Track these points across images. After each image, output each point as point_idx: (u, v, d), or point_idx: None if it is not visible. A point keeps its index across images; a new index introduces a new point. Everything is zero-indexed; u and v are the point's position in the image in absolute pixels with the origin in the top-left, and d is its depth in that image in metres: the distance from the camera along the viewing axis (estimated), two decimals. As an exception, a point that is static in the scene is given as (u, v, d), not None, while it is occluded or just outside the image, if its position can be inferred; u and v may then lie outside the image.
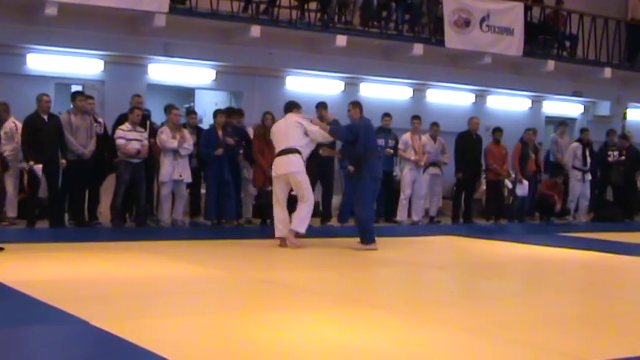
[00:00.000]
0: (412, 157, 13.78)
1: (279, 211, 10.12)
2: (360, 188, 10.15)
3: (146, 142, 11.68)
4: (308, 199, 9.98)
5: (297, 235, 10.00)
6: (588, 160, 15.31)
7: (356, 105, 10.65)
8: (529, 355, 4.88)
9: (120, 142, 11.49)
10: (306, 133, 10.08)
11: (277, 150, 10.09)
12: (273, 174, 10.10)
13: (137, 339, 4.75)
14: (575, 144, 15.55)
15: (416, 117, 14.13)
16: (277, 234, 10.07)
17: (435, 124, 14.45)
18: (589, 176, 15.44)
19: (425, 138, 14.11)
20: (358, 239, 10.13)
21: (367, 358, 4.69)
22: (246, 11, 14.07)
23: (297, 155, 9.88)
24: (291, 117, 10.23)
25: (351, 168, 11.32)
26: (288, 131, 10.03)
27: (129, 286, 6.94)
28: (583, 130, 15.87)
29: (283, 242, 10.00)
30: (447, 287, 8.07)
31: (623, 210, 16.21)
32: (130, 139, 11.51)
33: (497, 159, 14.70)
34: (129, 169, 11.53)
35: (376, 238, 10.12)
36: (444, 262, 10.03)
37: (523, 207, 15.17)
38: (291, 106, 10.45)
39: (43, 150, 10.97)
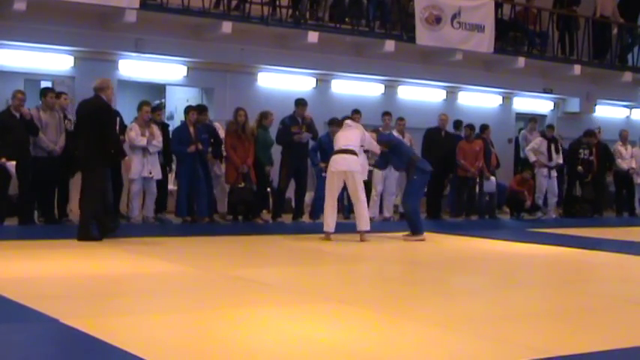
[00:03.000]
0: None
1: (330, 207, 10.59)
2: (414, 183, 11.16)
3: None
4: (362, 198, 10.59)
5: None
6: (554, 155, 15.41)
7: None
8: (499, 350, 4.92)
9: None
10: (361, 140, 10.71)
11: (335, 149, 10.61)
12: (332, 169, 10.52)
13: (109, 337, 4.73)
14: (539, 139, 15.62)
15: (386, 113, 14.17)
16: (325, 229, 10.57)
17: (400, 119, 14.40)
18: (554, 172, 15.54)
19: (396, 134, 14.14)
20: (408, 232, 11.06)
21: (338, 353, 4.71)
22: (217, 7, 14.03)
23: (354, 156, 10.47)
24: (350, 122, 10.99)
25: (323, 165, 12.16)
26: (348, 134, 10.64)
27: (100, 284, 6.91)
28: (548, 127, 16.02)
29: (327, 236, 10.50)
30: (417, 283, 8.11)
31: (592, 206, 16.38)
32: None
33: (469, 155, 14.77)
34: None
35: (342, 235, 10.52)
36: (415, 258, 10.07)
37: (492, 203, 15.29)
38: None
39: (14, 147, 10.87)
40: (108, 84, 9.87)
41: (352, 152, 10.45)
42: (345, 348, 4.83)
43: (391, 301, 6.64)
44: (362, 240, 10.56)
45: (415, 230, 11.03)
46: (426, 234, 11.20)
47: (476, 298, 6.91)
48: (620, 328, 5.74)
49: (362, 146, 10.81)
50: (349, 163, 10.41)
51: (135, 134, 11.71)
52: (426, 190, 14.83)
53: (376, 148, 11.17)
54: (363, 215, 10.60)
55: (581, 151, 16.08)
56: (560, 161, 15.54)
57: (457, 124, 15.29)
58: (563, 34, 18.10)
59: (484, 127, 15.24)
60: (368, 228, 10.63)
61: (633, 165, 16.80)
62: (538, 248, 10.69)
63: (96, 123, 9.56)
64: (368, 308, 6.10)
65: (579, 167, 16.00)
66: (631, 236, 12.59)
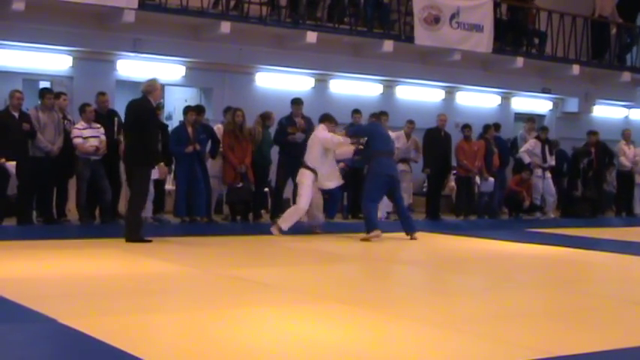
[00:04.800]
0: None
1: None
2: (367, 181, 11.16)
3: (103, 137, 11.56)
4: (297, 200, 11.22)
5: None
6: (548, 157, 15.42)
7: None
8: (497, 350, 4.92)
9: (77, 141, 11.39)
10: (321, 147, 11.09)
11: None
12: None
13: (107, 337, 4.72)
14: (533, 141, 15.62)
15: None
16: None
17: (410, 122, 14.40)
18: (549, 173, 15.52)
19: (393, 134, 14.12)
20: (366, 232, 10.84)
21: (337, 353, 4.70)
22: (216, 7, 14.03)
23: (304, 169, 11.10)
24: (317, 131, 11.28)
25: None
26: (310, 146, 11.22)
27: (98, 284, 6.90)
28: (542, 129, 16.04)
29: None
30: (416, 283, 8.11)
31: (592, 206, 16.37)
32: (87, 137, 11.40)
33: (468, 155, 14.75)
34: (88, 166, 11.43)
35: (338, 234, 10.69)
36: (413, 258, 10.08)
37: (492, 203, 15.27)
38: (323, 118, 11.43)
39: (13, 147, 10.86)
40: (155, 86, 9.82)
41: (305, 166, 11.11)
42: (344, 348, 4.83)
43: (390, 300, 6.63)
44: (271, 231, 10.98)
45: (369, 227, 10.79)
46: (419, 233, 11.20)
47: (475, 298, 6.91)
48: (619, 328, 5.74)
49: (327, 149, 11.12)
50: (298, 176, 11.19)
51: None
52: (425, 189, 14.93)
53: (335, 144, 11.13)
54: (285, 214, 11.25)
55: (581, 162, 16.12)
56: (553, 163, 15.54)
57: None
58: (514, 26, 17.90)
59: (487, 128, 15.24)
60: (283, 227, 10.97)
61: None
62: (537, 248, 10.68)
63: (138, 124, 9.66)
64: (367, 308, 6.09)
65: (579, 182, 16.09)
66: (630, 236, 12.60)
